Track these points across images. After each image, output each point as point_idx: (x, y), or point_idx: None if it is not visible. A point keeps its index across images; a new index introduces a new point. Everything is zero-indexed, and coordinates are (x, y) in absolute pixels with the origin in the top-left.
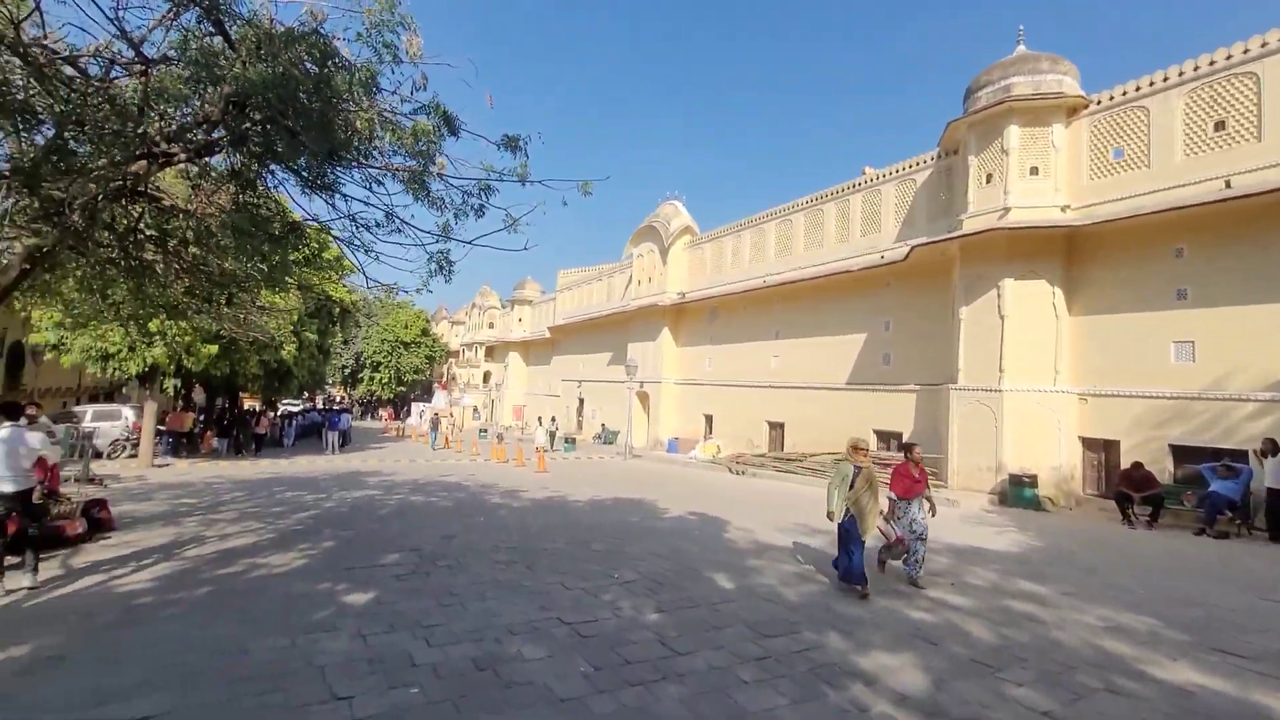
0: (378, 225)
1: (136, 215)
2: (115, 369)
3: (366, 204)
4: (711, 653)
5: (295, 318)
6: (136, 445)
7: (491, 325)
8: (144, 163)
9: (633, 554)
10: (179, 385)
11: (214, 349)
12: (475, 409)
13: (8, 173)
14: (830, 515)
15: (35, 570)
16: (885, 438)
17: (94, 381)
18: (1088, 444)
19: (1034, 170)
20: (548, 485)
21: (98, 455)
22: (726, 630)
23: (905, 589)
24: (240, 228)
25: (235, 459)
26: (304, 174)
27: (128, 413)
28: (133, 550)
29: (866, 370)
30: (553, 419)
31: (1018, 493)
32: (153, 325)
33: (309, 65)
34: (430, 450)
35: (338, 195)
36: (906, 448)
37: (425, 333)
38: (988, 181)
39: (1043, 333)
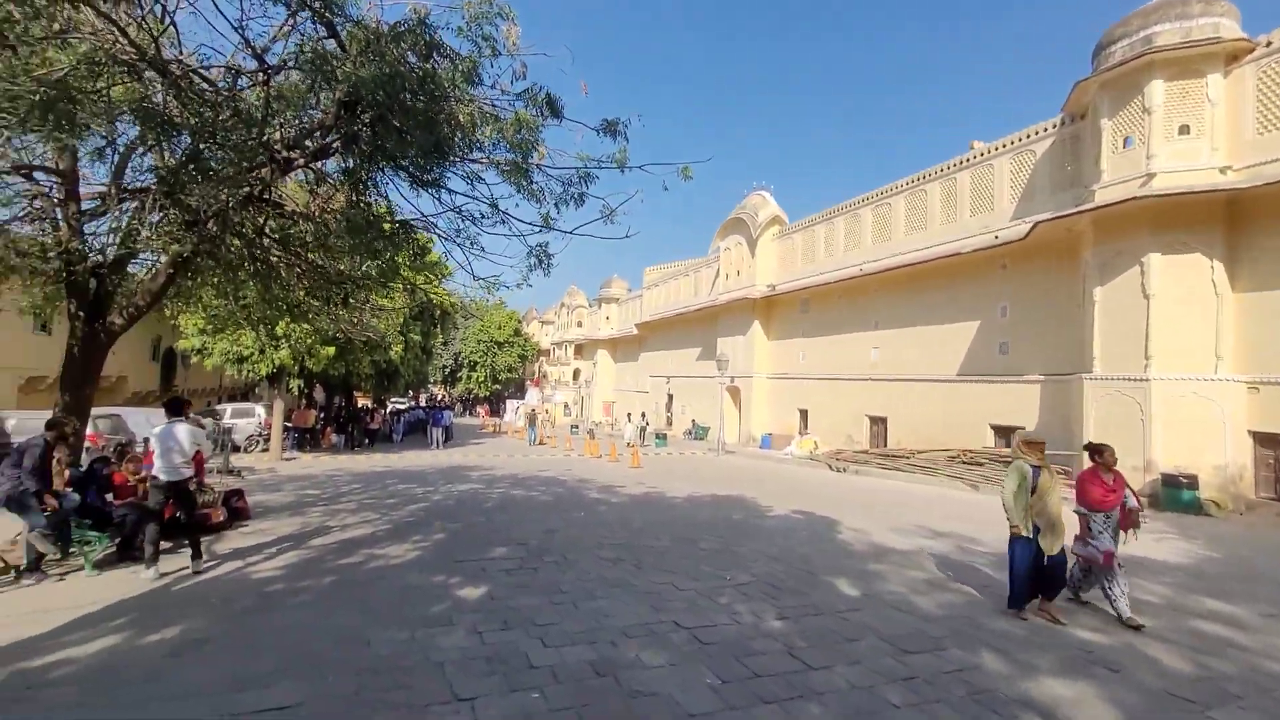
0: (482, 217)
1: (262, 220)
2: (249, 370)
3: (470, 197)
4: (848, 668)
5: (401, 319)
6: (268, 440)
7: (580, 324)
8: (268, 169)
9: (742, 554)
10: (302, 385)
11: (331, 350)
12: (566, 405)
13: (152, 185)
14: (1015, 529)
15: (197, 555)
16: (1003, 433)
17: (231, 382)
18: (1261, 439)
19: (1184, 129)
20: (643, 481)
21: (235, 449)
22: (860, 643)
23: (1061, 603)
24: (354, 225)
25: (352, 453)
26: (410, 170)
27: (260, 410)
28: (266, 539)
29: (980, 360)
30: (642, 414)
31: (1174, 495)
32: (279, 329)
33: (414, 61)
34: (527, 446)
35: (443, 191)
36: (1095, 450)
37: (517, 332)
38: (1124, 146)
39: (1199, 313)
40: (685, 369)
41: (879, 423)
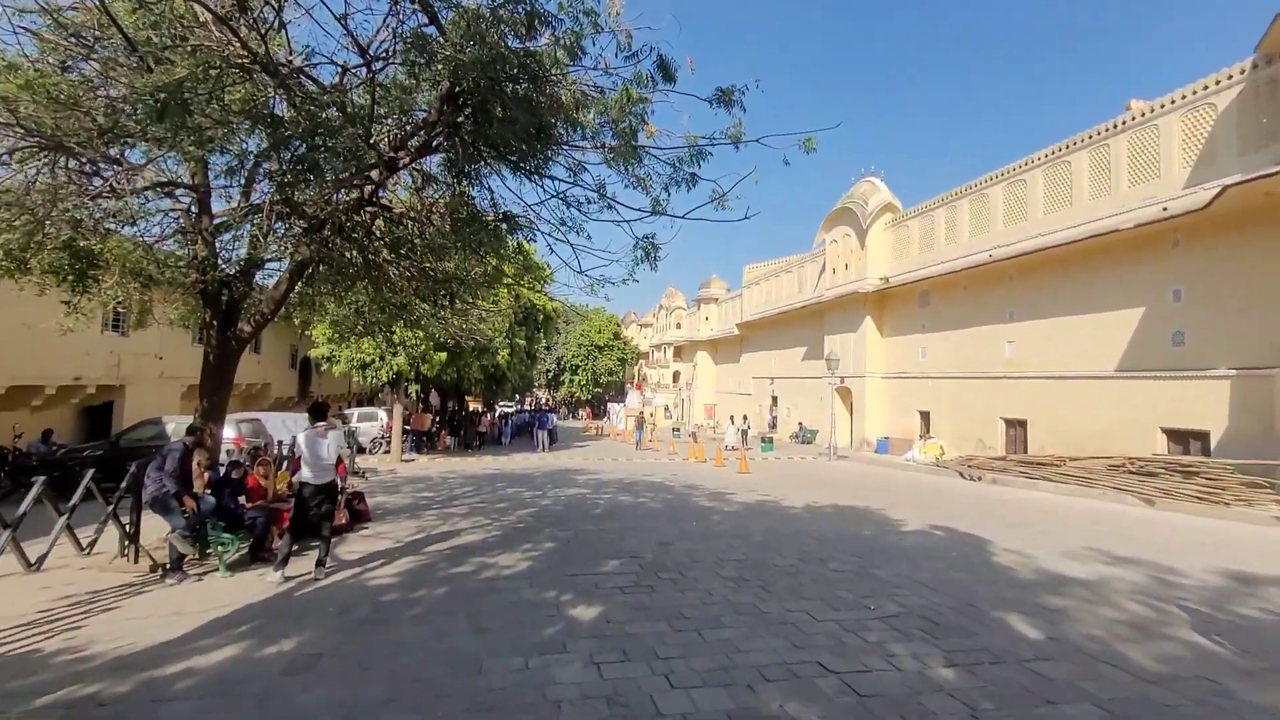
0: (587, 202)
1: (370, 222)
2: (372, 376)
3: (574, 183)
4: None
5: (507, 324)
6: (390, 442)
7: (679, 326)
8: (377, 169)
9: (884, 578)
10: (419, 390)
11: (443, 356)
12: (666, 408)
13: (271, 194)
14: None
15: (321, 562)
16: (1182, 439)
17: (359, 389)
18: None
19: None
20: (755, 488)
21: (361, 451)
22: (1068, 709)
23: None
24: (458, 218)
25: (464, 454)
26: (512, 158)
27: (383, 415)
28: (383, 545)
29: (1147, 353)
30: (744, 417)
31: None
32: (395, 334)
33: (514, 43)
34: (634, 449)
35: (545, 179)
36: None
37: (617, 336)
38: None
39: None
40: (790, 369)
41: (1016, 425)
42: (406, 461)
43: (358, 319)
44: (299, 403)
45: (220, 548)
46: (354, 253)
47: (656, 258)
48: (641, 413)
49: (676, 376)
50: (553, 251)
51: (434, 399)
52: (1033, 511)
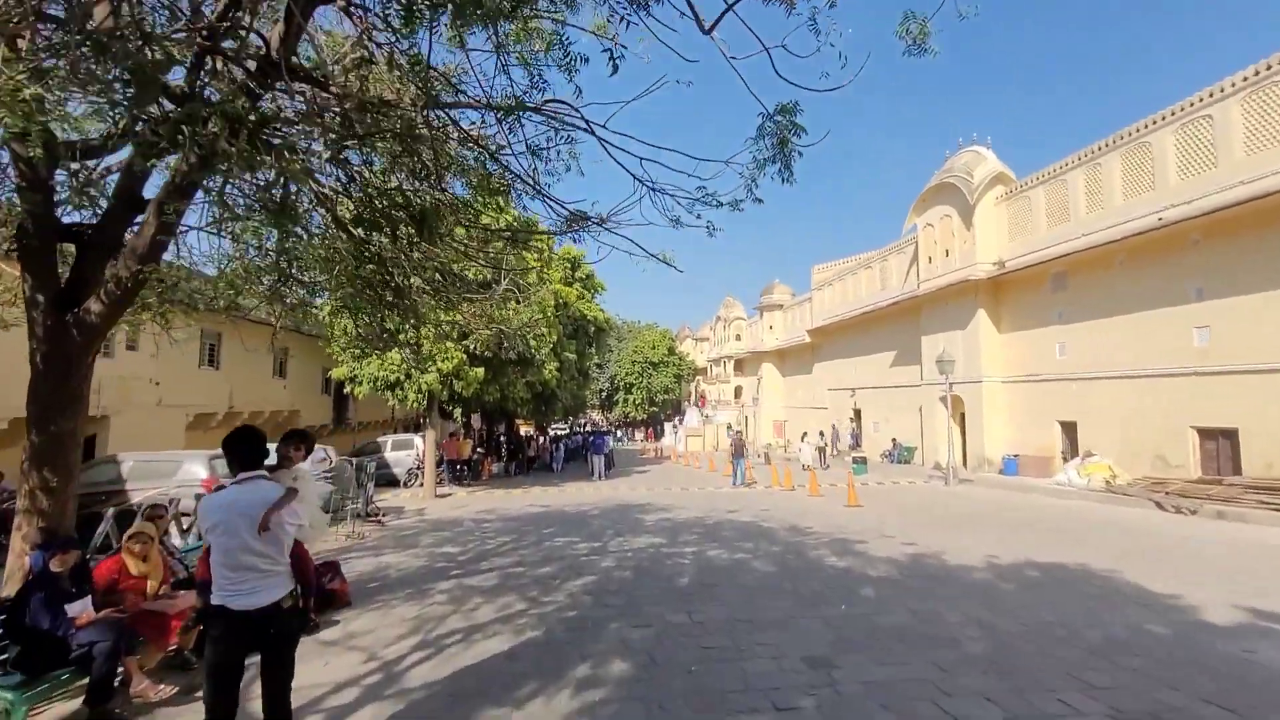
0: None
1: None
2: (402, 397)
3: None
4: None
5: (553, 335)
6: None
7: (738, 337)
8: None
9: None
10: (462, 412)
11: (480, 372)
12: (729, 426)
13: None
14: None
15: None
16: None
17: (400, 413)
18: None
19: None
20: (882, 529)
21: (395, 484)
22: None
23: None
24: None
25: (509, 485)
26: None
27: (419, 442)
28: (341, 671)
29: None
30: (820, 434)
31: None
32: (425, 345)
33: None
34: (732, 488)
35: None
36: None
37: (671, 351)
38: None
39: None
40: (877, 378)
41: (1219, 437)
42: (441, 497)
43: (337, 281)
44: (333, 431)
45: None
46: (253, 153)
47: (791, 158)
48: (739, 435)
49: (739, 392)
50: (603, 140)
51: (474, 423)
52: None
